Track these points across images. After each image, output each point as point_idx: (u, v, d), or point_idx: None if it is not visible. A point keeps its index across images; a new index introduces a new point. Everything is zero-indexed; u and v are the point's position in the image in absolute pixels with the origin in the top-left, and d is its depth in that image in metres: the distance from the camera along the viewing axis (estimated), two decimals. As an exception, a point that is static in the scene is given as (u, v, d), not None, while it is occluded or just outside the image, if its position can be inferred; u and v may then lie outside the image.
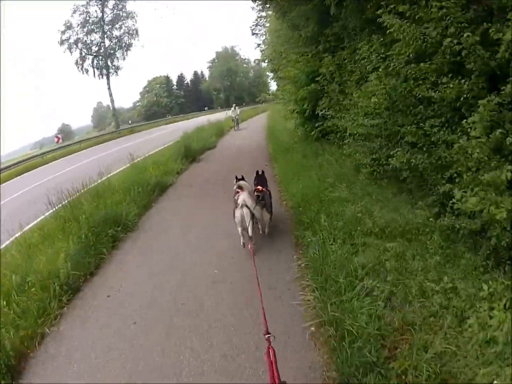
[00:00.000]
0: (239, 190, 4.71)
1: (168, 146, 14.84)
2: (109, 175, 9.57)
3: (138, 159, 10.90)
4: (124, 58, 41.70)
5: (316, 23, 8.56)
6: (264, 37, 32.20)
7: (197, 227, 6.10)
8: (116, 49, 40.39)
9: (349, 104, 7.04)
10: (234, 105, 23.86)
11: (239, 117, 22.40)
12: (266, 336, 1.98)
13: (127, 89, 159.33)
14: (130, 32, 41.42)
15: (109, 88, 41.32)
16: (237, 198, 4.61)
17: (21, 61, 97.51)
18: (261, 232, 5.05)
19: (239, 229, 4.64)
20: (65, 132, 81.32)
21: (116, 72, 41.32)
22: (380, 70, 5.05)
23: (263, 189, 4.84)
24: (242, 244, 4.81)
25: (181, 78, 76.40)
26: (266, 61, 35.23)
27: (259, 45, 34.18)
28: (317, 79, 9.14)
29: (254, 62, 76.55)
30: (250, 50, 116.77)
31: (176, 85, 75.84)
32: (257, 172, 5.28)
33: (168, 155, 11.93)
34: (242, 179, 5.17)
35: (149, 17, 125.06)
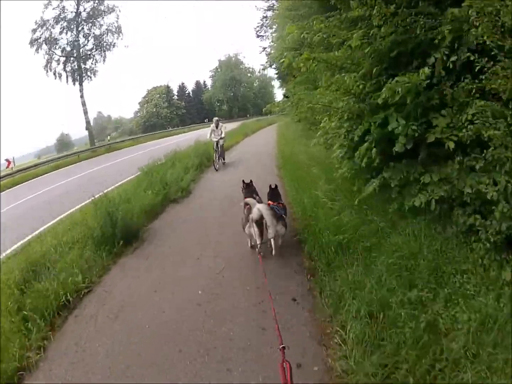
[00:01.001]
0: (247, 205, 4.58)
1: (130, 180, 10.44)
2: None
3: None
4: (104, 60, 34.68)
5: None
6: (272, 38, 28.46)
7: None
8: (94, 49, 33.56)
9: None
10: (216, 119, 13.18)
11: (223, 141, 12.73)
12: (280, 346, 1.95)
13: (129, 98, 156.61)
14: (112, 29, 34.52)
15: (81, 96, 33.16)
16: (248, 209, 4.45)
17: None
18: (272, 251, 4.42)
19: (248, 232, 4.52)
20: (63, 142, 78.55)
21: (91, 76, 34.02)
22: None
23: (279, 203, 4.61)
24: (250, 246, 4.78)
25: (182, 88, 72.92)
26: (273, 65, 31.46)
27: (264, 48, 30.40)
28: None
29: (259, 71, 73.97)
30: (255, 59, 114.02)
31: (177, 95, 72.31)
32: (270, 186, 4.99)
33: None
34: (250, 183, 5.30)
35: (150, 22, 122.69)
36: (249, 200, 4.50)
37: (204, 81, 74.51)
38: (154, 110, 69.35)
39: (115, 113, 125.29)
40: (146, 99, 72.24)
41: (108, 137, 40.37)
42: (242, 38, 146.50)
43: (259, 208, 4.14)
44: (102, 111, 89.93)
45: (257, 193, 5.10)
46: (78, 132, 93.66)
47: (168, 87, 71.17)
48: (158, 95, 70.62)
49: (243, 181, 5.30)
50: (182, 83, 72.96)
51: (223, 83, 67.21)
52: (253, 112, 66.85)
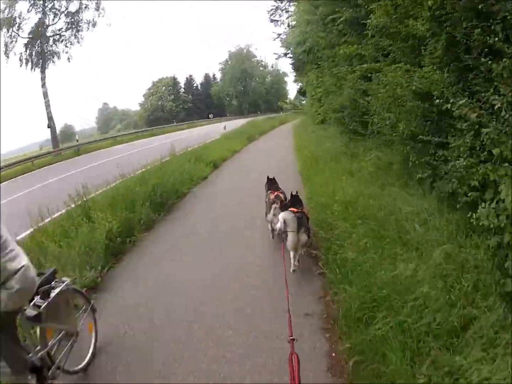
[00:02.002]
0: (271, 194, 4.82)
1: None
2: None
3: None
4: (78, 41, 26.85)
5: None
6: (288, 22, 24.32)
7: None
8: (64, 29, 25.90)
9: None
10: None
11: None
12: (289, 338, 1.95)
13: (138, 89, 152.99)
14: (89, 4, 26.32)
15: (43, 85, 25.67)
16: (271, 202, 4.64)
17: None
18: (292, 265, 3.89)
19: (269, 225, 4.74)
20: (66, 134, 75.23)
21: (53, 60, 26.25)
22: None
23: (300, 209, 4.22)
24: (272, 236, 4.78)
25: (189, 80, 69.02)
26: (289, 53, 27.08)
27: (279, 35, 26.21)
28: None
29: (272, 66, 69.58)
30: (268, 53, 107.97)
31: (184, 88, 68.43)
32: (291, 193, 4.63)
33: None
34: (273, 179, 5.32)
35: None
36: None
37: (214, 74, 70.57)
38: (159, 103, 65.74)
39: (122, 104, 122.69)
40: (151, 91, 68.71)
41: (77, 136, 34.19)
42: (253, 31, 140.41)
43: (283, 216, 3.93)
44: (108, 102, 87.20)
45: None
46: (82, 123, 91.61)
47: (174, 79, 67.38)
48: (163, 87, 66.96)
49: (267, 176, 5.43)
50: (190, 76, 69.16)
51: (232, 76, 63.00)
52: (264, 108, 62.69)
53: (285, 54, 27.23)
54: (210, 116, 50.95)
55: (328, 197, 5.34)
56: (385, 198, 4.49)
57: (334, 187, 5.59)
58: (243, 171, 10.03)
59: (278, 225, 3.93)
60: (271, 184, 5.22)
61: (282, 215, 3.90)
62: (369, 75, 6.84)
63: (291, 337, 1.93)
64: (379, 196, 4.60)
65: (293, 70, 32.36)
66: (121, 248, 4.90)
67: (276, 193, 4.78)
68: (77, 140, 29.15)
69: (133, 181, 7.12)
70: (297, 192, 4.71)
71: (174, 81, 67.08)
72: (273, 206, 4.52)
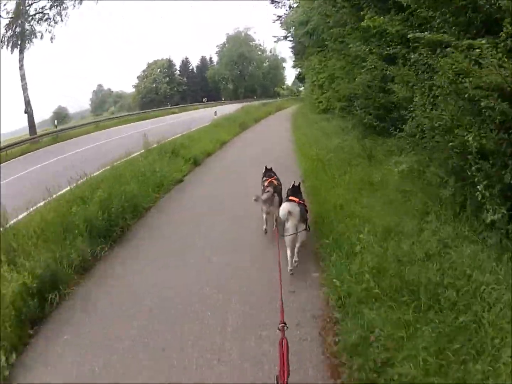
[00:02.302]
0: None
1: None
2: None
3: None
4: (62, 20, 23.68)
5: None
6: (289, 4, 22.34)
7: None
8: (49, 6, 22.74)
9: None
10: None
11: None
12: (280, 325, 1.94)
13: (132, 71, 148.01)
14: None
15: (21, 67, 23.00)
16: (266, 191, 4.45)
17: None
18: (290, 264, 3.58)
19: (264, 216, 4.50)
20: (60, 116, 72.40)
21: (31, 40, 23.11)
22: None
23: (299, 201, 4.06)
24: (264, 230, 4.56)
25: (185, 63, 66.33)
26: (289, 35, 25.00)
27: (280, 17, 24.14)
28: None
29: (270, 51, 66.82)
30: (267, 37, 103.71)
31: (180, 71, 65.78)
32: (293, 184, 4.50)
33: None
34: (271, 170, 5.14)
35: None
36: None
37: (211, 57, 67.80)
38: (153, 85, 63.25)
39: (117, 86, 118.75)
40: (146, 73, 66.08)
41: (55, 122, 30.20)
42: (252, 13, 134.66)
43: (287, 207, 3.71)
44: (103, 84, 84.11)
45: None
46: (76, 107, 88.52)
47: (170, 61, 64.75)
48: (158, 69, 64.32)
49: (265, 166, 5.16)
50: (186, 58, 66.43)
51: (229, 59, 60.35)
52: (261, 93, 60.42)
53: (285, 37, 25.38)
54: (203, 100, 48.63)
55: (346, 237, 3.65)
56: (432, 244, 2.87)
57: (353, 212, 3.94)
58: (231, 172, 8.14)
59: (281, 214, 3.67)
60: (267, 172, 5.11)
61: (287, 206, 3.65)
62: (394, 57, 5.19)
63: (282, 324, 1.94)
64: (422, 241, 2.97)
65: (292, 54, 30.42)
66: (38, 315, 3.19)
67: (269, 180, 4.68)
68: (56, 126, 26.63)
69: (72, 196, 5.16)
70: (299, 184, 4.52)
71: (169, 63, 64.48)
72: (266, 190, 4.41)
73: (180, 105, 44.77)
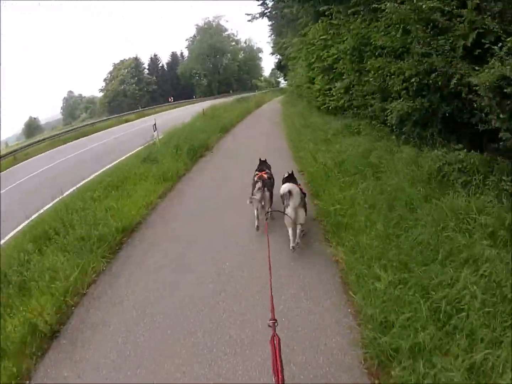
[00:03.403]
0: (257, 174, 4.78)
1: None
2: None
3: None
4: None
5: None
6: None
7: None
8: None
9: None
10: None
11: None
12: (271, 322, 1.87)
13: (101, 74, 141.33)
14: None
15: None
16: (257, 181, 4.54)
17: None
18: (292, 241, 3.82)
19: (255, 211, 4.51)
20: (30, 128, 67.11)
21: None
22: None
23: (297, 186, 4.15)
24: (256, 227, 4.52)
25: (154, 60, 61.70)
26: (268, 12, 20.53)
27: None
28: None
29: (245, 42, 62.60)
30: (240, 27, 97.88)
31: (148, 69, 61.14)
32: (288, 172, 4.64)
33: None
34: (265, 162, 5.25)
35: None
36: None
37: (182, 52, 63.30)
38: (121, 87, 58.48)
39: (88, 91, 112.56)
40: (112, 75, 61.26)
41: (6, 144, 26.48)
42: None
43: (288, 186, 3.86)
44: (73, 90, 79.20)
45: (270, 168, 5.08)
46: (48, 116, 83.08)
47: (136, 59, 60.03)
48: (126, 70, 59.48)
49: (259, 158, 5.28)
50: (155, 55, 61.89)
51: (200, 52, 55.85)
52: (237, 87, 56.34)
53: (263, 14, 20.94)
54: (170, 99, 43.88)
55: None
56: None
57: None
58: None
59: (282, 191, 3.82)
60: (260, 165, 5.21)
61: (288, 185, 3.81)
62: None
63: (272, 320, 1.88)
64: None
65: (271, 34, 25.96)
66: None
67: (259, 174, 4.71)
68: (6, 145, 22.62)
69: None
70: (292, 172, 4.65)
71: (136, 62, 59.72)
72: (257, 185, 4.44)
73: (147, 108, 39.50)
